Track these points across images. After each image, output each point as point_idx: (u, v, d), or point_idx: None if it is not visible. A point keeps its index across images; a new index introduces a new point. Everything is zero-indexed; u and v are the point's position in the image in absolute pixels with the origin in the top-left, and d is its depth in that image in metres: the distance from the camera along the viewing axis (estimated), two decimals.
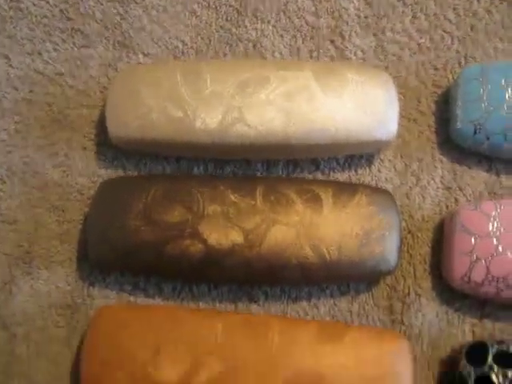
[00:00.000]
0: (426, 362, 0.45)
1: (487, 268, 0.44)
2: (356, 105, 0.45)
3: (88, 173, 0.49)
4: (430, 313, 0.46)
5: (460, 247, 0.44)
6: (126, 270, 0.46)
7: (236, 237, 0.43)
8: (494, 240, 0.44)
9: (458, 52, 0.50)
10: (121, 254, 0.44)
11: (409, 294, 0.46)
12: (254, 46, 0.51)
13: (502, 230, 0.44)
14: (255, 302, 0.46)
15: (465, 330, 0.46)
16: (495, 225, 0.44)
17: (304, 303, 0.46)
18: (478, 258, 0.44)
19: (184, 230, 0.43)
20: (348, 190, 0.45)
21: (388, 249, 0.44)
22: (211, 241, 0.43)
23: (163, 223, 0.43)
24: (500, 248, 0.44)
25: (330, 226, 0.43)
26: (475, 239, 0.44)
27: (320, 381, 0.41)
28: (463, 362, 0.43)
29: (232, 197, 0.44)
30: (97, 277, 0.47)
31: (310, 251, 0.43)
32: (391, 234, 0.44)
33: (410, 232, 0.47)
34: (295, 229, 0.43)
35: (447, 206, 0.48)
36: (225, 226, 0.43)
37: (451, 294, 0.46)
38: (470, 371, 0.43)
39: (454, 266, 0.44)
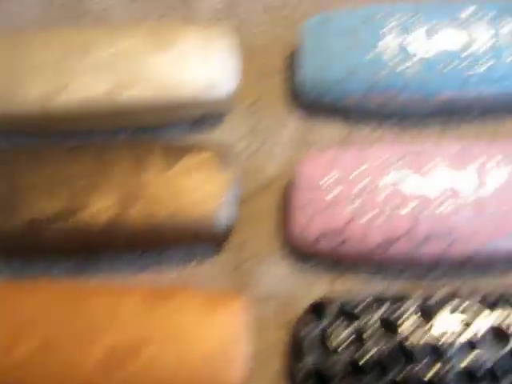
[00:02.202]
0: (277, 323, 0.43)
1: (321, 221, 0.42)
2: (192, 61, 0.44)
3: None
4: (278, 275, 0.44)
5: (296, 203, 0.43)
6: None
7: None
8: (327, 193, 0.42)
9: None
10: None
11: (255, 255, 0.44)
12: (101, 16, 0.50)
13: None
14: None
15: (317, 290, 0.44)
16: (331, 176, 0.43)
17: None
18: (313, 212, 0.42)
19: None
20: None
21: None
22: None
23: None
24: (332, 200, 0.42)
25: None
26: (310, 192, 0.42)
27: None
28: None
29: None
30: None
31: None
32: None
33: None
34: None
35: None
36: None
37: (299, 256, 0.44)
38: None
39: (294, 222, 0.43)
